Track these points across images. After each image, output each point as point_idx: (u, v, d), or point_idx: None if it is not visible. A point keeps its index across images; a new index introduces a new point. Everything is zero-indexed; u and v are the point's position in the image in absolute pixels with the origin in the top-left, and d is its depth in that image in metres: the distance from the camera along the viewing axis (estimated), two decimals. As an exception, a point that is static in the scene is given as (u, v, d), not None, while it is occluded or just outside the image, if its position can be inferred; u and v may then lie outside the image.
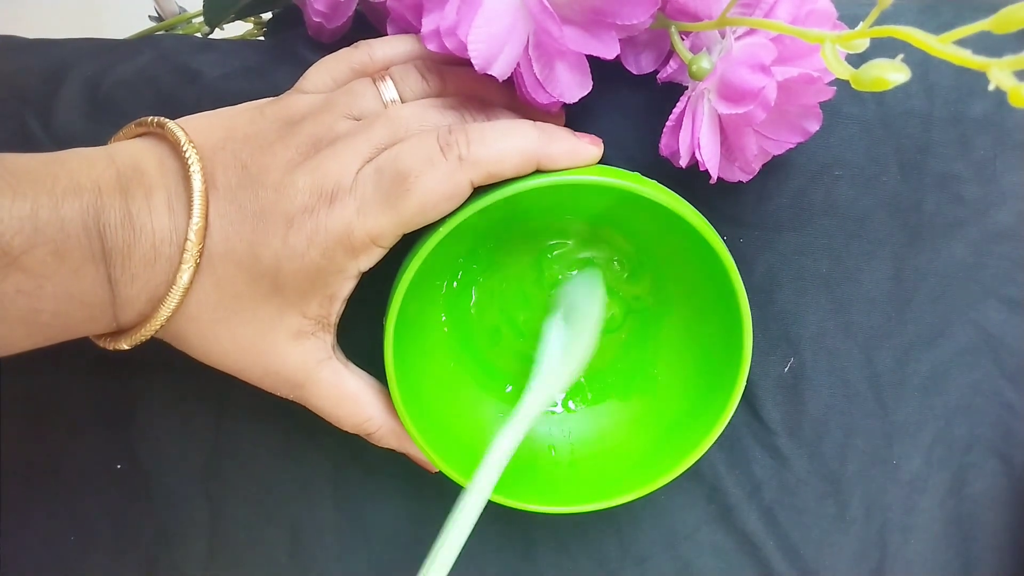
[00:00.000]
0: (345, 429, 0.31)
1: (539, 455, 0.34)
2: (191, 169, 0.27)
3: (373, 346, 0.30)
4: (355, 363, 0.31)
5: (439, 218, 0.27)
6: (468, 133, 0.27)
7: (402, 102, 0.29)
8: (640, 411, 0.34)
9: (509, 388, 0.35)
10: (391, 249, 0.28)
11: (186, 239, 0.26)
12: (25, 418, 0.35)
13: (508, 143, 0.27)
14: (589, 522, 0.36)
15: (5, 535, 0.35)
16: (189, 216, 0.26)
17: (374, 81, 0.29)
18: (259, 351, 0.28)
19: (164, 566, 0.36)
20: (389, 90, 0.29)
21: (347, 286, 0.28)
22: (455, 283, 0.34)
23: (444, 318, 0.34)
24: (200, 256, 0.27)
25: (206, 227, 0.27)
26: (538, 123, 0.28)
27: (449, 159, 0.27)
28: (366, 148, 0.27)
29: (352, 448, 0.34)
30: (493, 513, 0.30)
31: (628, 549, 0.36)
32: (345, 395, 0.30)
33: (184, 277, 0.26)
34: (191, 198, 0.26)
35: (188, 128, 0.28)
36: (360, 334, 0.32)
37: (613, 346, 0.35)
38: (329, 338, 0.29)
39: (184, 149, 0.27)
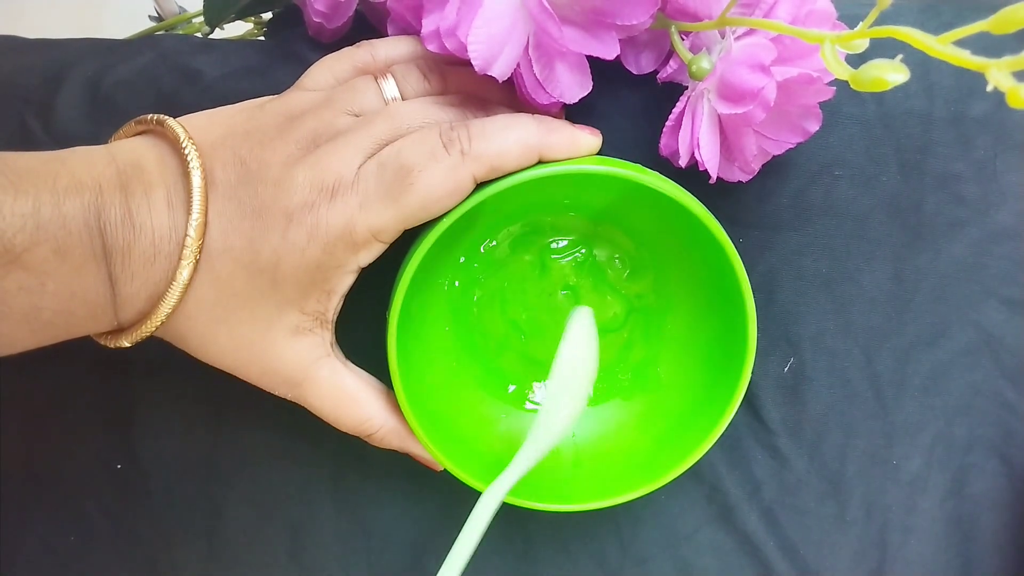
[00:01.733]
0: (344, 430, 0.30)
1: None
2: (190, 166, 0.27)
3: (375, 345, 0.30)
4: (356, 362, 0.31)
5: (441, 214, 0.27)
6: (470, 128, 0.27)
7: (403, 100, 0.29)
8: (643, 410, 0.34)
9: (512, 388, 0.35)
10: (392, 248, 0.28)
11: (185, 236, 0.26)
12: (25, 418, 0.35)
13: (509, 136, 0.27)
14: (589, 522, 0.36)
15: (5, 535, 0.35)
16: (188, 213, 0.26)
17: (376, 79, 0.29)
18: (257, 349, 0.28)
19: (164, 566, 0.36)
20: (391, 88, 0.29)
21: (346, 281, 0.28)
22: (457, 282, 0.34)
23: (446, 317, 0.34)
24: (199, 253, 0.27)
25: (205, 224, 0.27)
26: (537, 116, 0.29)
27: (452, 154, 0.27)
28: (367, 143, 0.27)
29: (352, 448, 0.34)
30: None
31: (628, 549, 0.36)
32: (344, 394, 0.30)
33: (183, 274, 0.26)
34: (190, 195, 0.26)
35: (188, 125, 0.28)
36: (362, 333, 0.32)
37: (616, 345, 0.35)
38: (328, 336, 0.29)
39: (183, 146, 0.27)
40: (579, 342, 0.30)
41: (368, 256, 0.28)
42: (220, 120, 0.29)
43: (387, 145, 0.27)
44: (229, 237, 0.27)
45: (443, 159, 0.26)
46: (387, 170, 0.27)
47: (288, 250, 0.27)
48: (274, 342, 0.28)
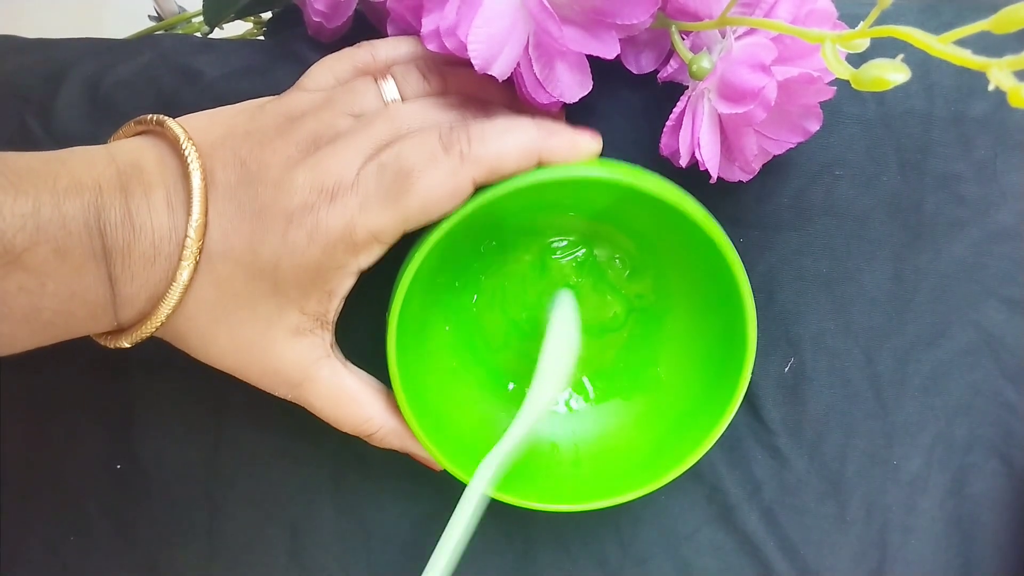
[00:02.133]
0: (344, 430, 0.30)
1: (542, 453, 0.34)
2: (190, 167, 0.27)
3: (375, 346, 0.30)
4: (356, 363, 0.31)
5: (441, 216, 0.27)
6: (469, 131, 0.27)
7: (403, 101, 0.29)
8: (643, 410, 0.34)
9: (511, 386, 0.35)
10: (392, 249, 0.28)
11: (185, 237, 0.26)
12: (25, 418, 0.35)
13: (508, 140, 0.27)
14: (589, 522, 0.36)
15: (5, 535, 0.35)
16: (188, 214, 0.26)
17: (376, 80, 0.29)
18: (258, 349, 0.28)
19: (164, 566, 0.36)
20: (390, 89, 0.29)
21: (346, 283, 0.28)
22: (457, 282, 0.34)
23: (446, 317, 0.34)
24: (199, 254, 0.26)
25: (205, 225, 0.26)
26: (537, 119, 0.29)
27: (451, 157, 0.27)
28: (367, 145, 0.27)
29: (352, 448, 0.34)
30: (494, 512, 0.30)
31: (628, 549, 0.36)
32: (344, 394, 0.30)
33: (183, 275, 0.26)
34: (190, 196, 0.26)
35: (188, 126, 0.28)
36: (361, 334, 0.32)
37: (616, 345, 0.35)
38: (328, 336, 0.29)
39: (183, 146, 0.27)
40: (565, 324, 0.30)
41: (368, 258, 0.28)
42: (220, 121, 0.29)
43: (387, 147, 0.27)
44: (229, 238, 0.27)
45: (443, 162, 0.26)
46: (387, 172, 0.27)
47: (288, 252, 0.27)
48: (274, 342, 0.28)
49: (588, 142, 0.29)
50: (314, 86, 0.30)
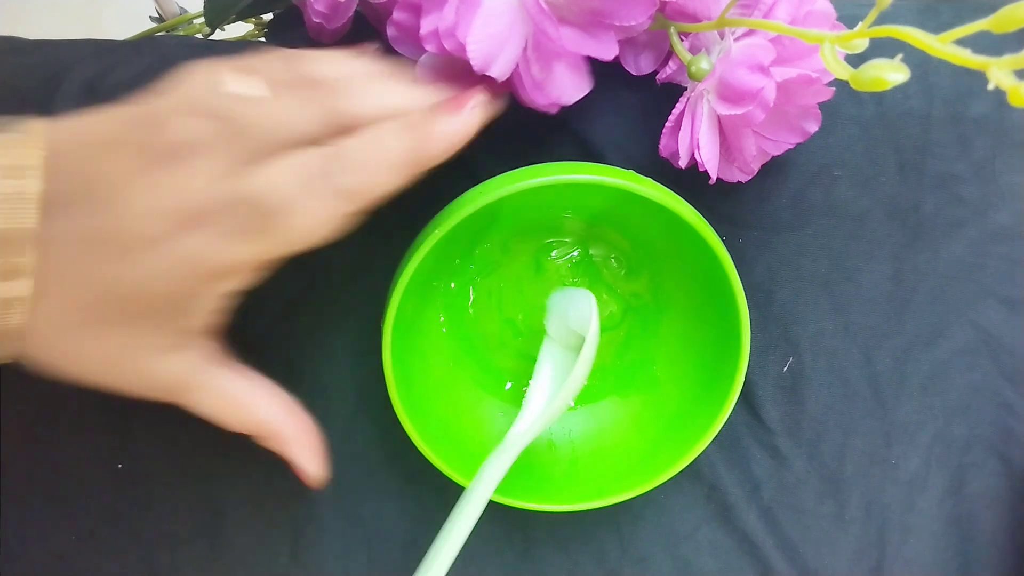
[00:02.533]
0: (232, 431, 0.29)
1: (539, 453, 0.34)
2: (26, 173, 0.23)
3: (371, 347, 0.30)
4: (352, 363, 0.31)
5: (314, 246, 0.25)
6: (341, 159, 0.25)
7: (268, 98, 0.26)
8: (640, 408, 0.34)
9: (509, 385, 0.35)
10: (390, 248, 0.28)
11: (20, 252, 0.23)
12: (25, 418, 0.35)
13: (378, 161, 0.25)
14: (589, 521, 0.36)
15: (5, 535, 0.35)
16: (24, 226, 0.23)
17: (236, 76, 0.26)
18: (123, 366, 0.26)
19: (164, 566, 0.36)
20: (250, 85, 0.25)
21: (212, 304, 0.26)
22: (453, 284, 0.34)
23: (442, 319, 0.34)
24: (36, 272, 0.23)
25: (42, 242, 0.23)
26: (408, 118, 0.26)
27: (320, 191, 0.24)
28: (222, 160, 0.24)
29: (352, 447, 0.34)
30: (493, 513, 0.30)
31: (628, 548, 0.36)
32: (229, 400, 0.28)
33: (19, 293, 0.23)
34: (29, 208, 0.23)
35: (45, 129, 0.24)
36: (358, 336, 0.32)
37: (612, 344, 0.35)
38: (206, 344, 0.27)
39: (22, 151, 0.23)
40: (596, 331, 0.30)
41: (234, 284, 0.25)
42: (81, 127, 0.25)
43: (246, 161, 0.24)
44: (71, 260, 0.24)
45: (314, 198, 0.24)
46: (250, 205, 0.24)
47: (137, 279, 0.24)
48: (142, 360, 0.26)
49: (466, 118, 0.26)
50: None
